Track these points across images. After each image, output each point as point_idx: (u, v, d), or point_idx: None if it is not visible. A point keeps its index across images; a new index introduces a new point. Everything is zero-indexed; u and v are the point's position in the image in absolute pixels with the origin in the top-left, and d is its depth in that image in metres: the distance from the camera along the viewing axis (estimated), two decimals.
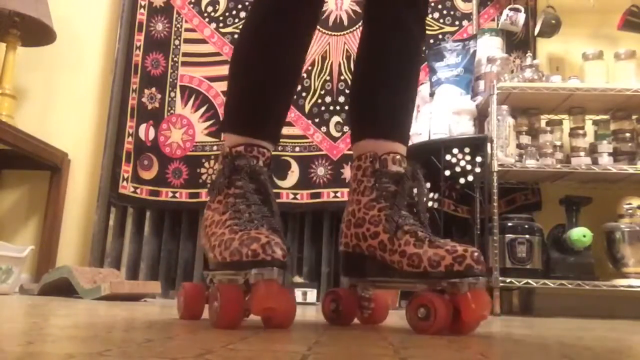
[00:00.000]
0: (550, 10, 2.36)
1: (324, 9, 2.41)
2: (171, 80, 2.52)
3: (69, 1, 2.67)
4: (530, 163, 2.02)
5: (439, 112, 2.15)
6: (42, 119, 2.58)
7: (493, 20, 2.49)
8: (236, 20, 2.54)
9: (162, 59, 2.54)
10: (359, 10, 2.50)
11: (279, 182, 2.36)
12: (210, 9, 2.57)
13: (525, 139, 2.09)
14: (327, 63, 2.46)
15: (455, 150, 2.03)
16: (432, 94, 2.27)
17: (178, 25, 2.57)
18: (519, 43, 2.44)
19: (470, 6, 2.48)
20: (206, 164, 2.43)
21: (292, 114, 2.43)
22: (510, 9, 2.35)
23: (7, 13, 2.26)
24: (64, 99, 2.61)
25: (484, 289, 0.79)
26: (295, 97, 2.44)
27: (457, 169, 2.02)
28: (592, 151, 2.11)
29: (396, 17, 0.96)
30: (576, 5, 2.50)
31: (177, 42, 2.56)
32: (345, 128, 2.40)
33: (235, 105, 0.95)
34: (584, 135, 2.12)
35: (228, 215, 0.83)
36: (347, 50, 2.47)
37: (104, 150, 2.46)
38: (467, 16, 2.48)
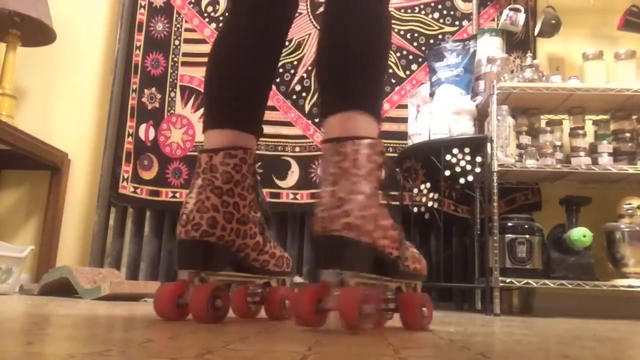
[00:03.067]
0: (550, 10, 2.36)
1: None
2: (171, 80, 2.52)
3: (69, 1, 2.67)
4: (530, 163, 2.01)
5: (439, 112, 2.15)
6: (42, 119, 2.58)
7: (493, 20, 2.48)
8: None
9: (162, 59, 2.54)
10: None
11: (279, 182, 2.36)
12: (210, 9, 2.57)
13: (525, 139, 2.09)
14: None
15: (455, 150, 2.03)
16: (432, 94, 2.27)
17: (178, 25, 2.57)
18: (519, 43, 2.44)
19: (470, 6, 2.48)
20: None
21: (292, 114, 2.42)
22: (510, 9, 2.35)
23: (7, 13, 2.26)
24: (64, 99, 2.61)
25: None
26: (295, 97, 2.44)
27: (457, 169, 2.02)
28: (592, 151, 2.10)
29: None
30: (576, 5, 2.50)
31: (177, 42, 2.55)
32: None
33: None
34: (584, 135, 2.12)
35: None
36: None
37: (104, 150, 2.46)
38: (467, 16, 2.48)
